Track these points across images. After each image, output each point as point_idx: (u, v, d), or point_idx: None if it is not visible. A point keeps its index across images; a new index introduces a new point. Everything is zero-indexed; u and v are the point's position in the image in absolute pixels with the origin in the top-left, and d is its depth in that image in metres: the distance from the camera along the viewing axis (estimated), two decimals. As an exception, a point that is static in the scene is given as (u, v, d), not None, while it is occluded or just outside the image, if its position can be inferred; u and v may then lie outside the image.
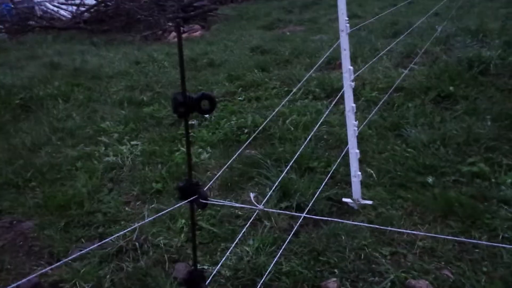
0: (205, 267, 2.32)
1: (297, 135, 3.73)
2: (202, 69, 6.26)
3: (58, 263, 1.95)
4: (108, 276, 2.25)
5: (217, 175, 2.21)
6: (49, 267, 2.12)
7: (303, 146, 3.19)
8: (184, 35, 9.81)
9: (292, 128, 3.86)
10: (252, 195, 2.02)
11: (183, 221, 2.63)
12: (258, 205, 1.85)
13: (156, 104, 4.91)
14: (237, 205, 2.48)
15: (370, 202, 2.59)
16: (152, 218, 2.05)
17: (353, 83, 2.72)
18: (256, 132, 3.78)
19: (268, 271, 2.12)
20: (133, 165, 3.54)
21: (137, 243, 2.49)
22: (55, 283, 2.21)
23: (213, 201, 1.58)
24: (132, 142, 3.97)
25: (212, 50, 7.44)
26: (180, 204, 1.54)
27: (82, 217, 2.82)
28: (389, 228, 2.10)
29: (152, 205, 2.94)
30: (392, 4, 9.83)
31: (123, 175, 3.41)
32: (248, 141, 3.63)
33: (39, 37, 10.53)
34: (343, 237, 2.30)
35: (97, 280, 2.22)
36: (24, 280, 1.98)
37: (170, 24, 10.20)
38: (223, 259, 2.08)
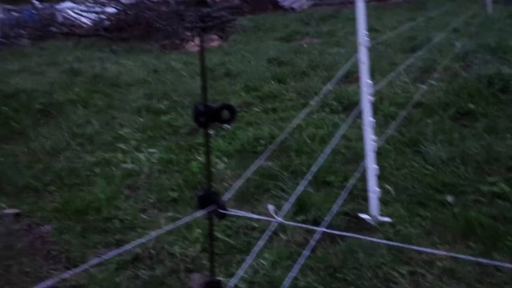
0: (220, 278, 2.31)
1: (314, 148, 3.73)
2: (219, 79, 6.31)
3: (78, 269, 1.97)
4: (124, 283, 2.26)
5: (237, 186, 2.22)
6: (68, 273, 2.14)
7: (320, 159, 3.19)
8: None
9: (309, 141, 3.85)
10: (271, 207, 2.02)
11: (199, 230, 2.64)
12: (277, 218, 1.85)
13: (174, 113, 4.95)
14: (256, 216, 2.48)
15: (388, 219, 2.57)
16: (170, 228, 2.06)
17: (371, 98, 2.72)
18: (273, 144, 3.79)
19: (284, 286, 2.10)
20: (150, 173, 3.56)
21: (153, 251, 2.50)
22: (72, 287, 2.23)
23: (232, 211, 1.59)
24: (150, 150, 4.00)
25: (229, 60, 7.49)
26: (198, 213, 1.54)
27: (99, 223, 2.84)
28: (408, 246, 2.08)
29: (168, 214, 2.95)
30: (411, 18, 9.82)
31: (140, 182, 3.43)
32: (265, 153, 3.64)
33: (60, 43, 10.73)
34: (360, 254, 2.28)
35: (114, 286, 2.24)
36: (42, 284, 2.00)
37: (188, 33, 10.32)
38: (240, 271, 2.08)
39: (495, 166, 3.11)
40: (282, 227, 2.66)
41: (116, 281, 2.27)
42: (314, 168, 2.81)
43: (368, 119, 2.73)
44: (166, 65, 7.44)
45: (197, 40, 10.03)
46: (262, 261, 2.35)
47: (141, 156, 3.84)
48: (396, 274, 2.13)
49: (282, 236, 2.57)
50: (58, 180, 3.44)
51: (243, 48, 8.96)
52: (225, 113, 1.50)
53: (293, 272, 2.24)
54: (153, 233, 2.30)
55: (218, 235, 2.62)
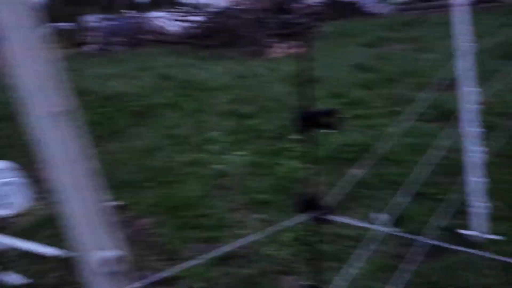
0: (311, 283, 2.29)
1: (407, 157, 3.58)
2: (303, 85, 6.29)
3: (187, 264, 2.05)
4: (217, 279, 2.31)
5: (336, 193, 2.18)
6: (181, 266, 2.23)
7: (416, 170, 3.05)
8: (283, 52, 10.00)
9: (401, 150, 3.71)
10: (377, 216, 1.96)
11: (291, 234, 2.64)
12: (385, 228, 1.79)
13: (259, 118, 5.02)
14: (362, 224, 2.42)
15: (498, 237, 2.38)
16: (273, 230, 2.09)
17: (475, 106, 2.55)
18: (370, 152, 3.70)
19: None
20: (238, 175, 3.64)
21: (244, 251, 2.54)
22: (169, 279, 2.32)
23: (336, 218, 1.55)
24: (237, 153, 4.09)
25: (314, 66, 7.45)
26: (300, 217, 1.53)
27: (192, 219, 2.95)
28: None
29: (258, 215, 2.99)
30: (508, 24, 9.13)
31: (229, 183, 3.52)
32: (360, 161, 3.56)
33: (151, 50, 11.38)
34: (466, 273, 2.14)
35: (207, 281, 2.30)
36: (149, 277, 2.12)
37: (270, 40, 10.46)
38: (337, 279, 2.04)
39: None
40: (376, 238, 2.58)
41: (209, 276, 2.34)
42: (410, 179, 2.70)
43: (470, 129, 2.57)
44: (250, 71, 7.59)
45: (279, 46, 10.13)
46: (356, 270, 2.28)
47: (229, 158, 3.94)
48: None
49: (377, 246, 2.49)
50: (154, 177, 3.63)
51: (325, 54, 8.88)
52: (327, 118, 1.48)
53: (392, 284, 2.16)
54: (251, 236, 2.34)
55: (310, 240, 2.60)
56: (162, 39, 12.12)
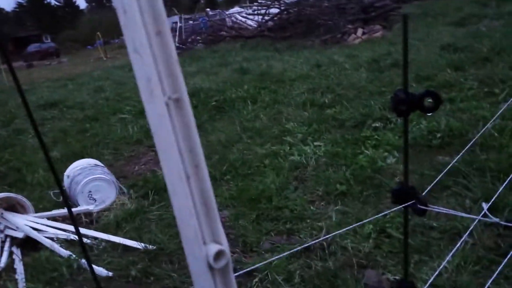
0: (396, 277, 2.16)
1: (503, 142, 3.24)
2: (386, 70, 6.01)
3: (271, 258, 2.04)
4: (298, 271, 2.27)
5: (432, 182, 2.02)
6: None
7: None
8: (364, 36, 9.62)
9: (496, 134, 3.37)
10: (471, 205, 1.79)
11: (371, 226, 2.51)
12: (492, 217, 1.63)
13: (338, 106, 4.88)
14: (460, 214, 2.24)
15: None
16: (369, 220, 1.99)
17: None
18: (459, 139, 3.41)
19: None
20: (316, 165, 3.56)
21: (325, 244, 2.46)
22: (250, 271, 2.33)
23: (434, 208, 1.43)
24: (316, 143, 4.00)
25: (395, 50, 7.09)
26: (396, 208, 1.44)
27: (270, 211, 2.93)
28: None
29: (337, 207, 2.89)
30: None
31: (307, 174, 3.45)
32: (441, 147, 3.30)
33: (229, 46, 11.62)
34: None
35: (288, 274, 2.27)
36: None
37: (350, 26, 10.12)
38: (430, 274, 1.89)
39: None
40: (466, 230, 2.36)
41: (289, 269, 2.30)
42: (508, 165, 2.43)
43: None
44: (328, 59, 7.41)
45: (358, 32, 9.78)
46: (446, 264, 2.11)
47: (307, 149, 3.87)
48: None
49: (467, 238, 2.27)
50: (233, 170, 3.68)
51: (411, 36, 8.38)
52: (428, 101, 1.39)
53: (484, 279, 1.96)
54: (342, 229, 2.25)
55: (393, 232, 2.46)
56: (240, 34, 12.30)
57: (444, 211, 1.76)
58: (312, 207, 2.96)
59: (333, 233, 2.39)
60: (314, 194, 3.13)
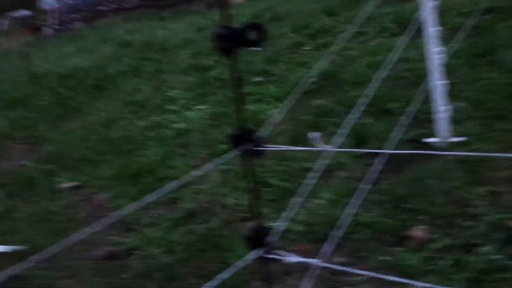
0: (276, 224, 2.17)
1: (372, 76, 3.37)
2: (267, 24, 5.98)
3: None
4: (179, 240, 2.19)
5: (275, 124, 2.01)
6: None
7: (376, 86, 2.87)
8: (247, -5, 9.52)
9: (365, 70, 3.50)
10: (314, 135, 1.78)
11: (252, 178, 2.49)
12: (326, 147, 1.64)
13: (221, 67, 4.78)
14: (300, 148, 2.28)
15: (461, 138, 2.23)
16: (199, 173, 1.93)
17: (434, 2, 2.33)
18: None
19: (344, 224, 1.90)
20: (201, 129, 3.47)
21: (207, 205, 2.41)
22: (129, 250, 2.21)
23: (270, 147, 1.38)
24: (200, 107, 3.90)
25: (277, 3, 7.09)
26: (231, 153, 1.38)
27: (154, 184, 2.80)
28: (482, 154, 1.76)
29: (221, 166, 2.83)
30: None
31: (192, 139, 3.35)
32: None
33: (111, 20, 10.91)
34: (431, 180, 2.00)
35: (169, 244, 2.18)
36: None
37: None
38: (286, 214, 1.91)
39: None
40: (339, 164, 2.43)
41: (171, 238, 2.22)
42: (372, 97, 2.52)
43: (430, 29, 2.36)
44: (212, 22, 7.23)
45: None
46: (320, 201, 2.16)
47: (191, 114, 3.75)
48: (471, 197, 1.84)
49: (340, 173, 2.35)
50: (114, 148, 3.46)
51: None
52: (253, 34, 1.27)
53: (353, 209, 2.03)
54: (184, 178, 2.19)
55: (271, 180, 2.46)
56: (122, 7, 11.59)
57: (284, 149, 1.77)
58: (195, 172, 2.87)
59: (180, 180, 2.34)
60: (198, 158, 3.05)
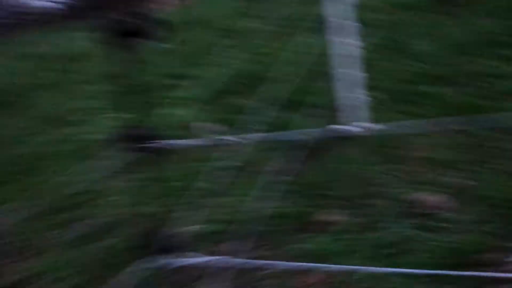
0: (191, 227, 1.99)
1: (291, 73, 3.35)
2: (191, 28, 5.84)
3: None
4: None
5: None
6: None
7: (294, 82, 2.82)
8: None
9: (284, 67, 3.47)
10: (198, 125, 1.64)
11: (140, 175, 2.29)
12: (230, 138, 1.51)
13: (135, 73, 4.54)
14: (201, 142, 2.12)
15: (379, 126, 2.23)
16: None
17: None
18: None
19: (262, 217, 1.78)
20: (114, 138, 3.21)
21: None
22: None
23: (170, 143, 1.30)
24: (111, 115, 3.61)
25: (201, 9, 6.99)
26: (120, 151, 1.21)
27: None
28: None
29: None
30: None
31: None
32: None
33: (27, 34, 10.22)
34: (351, 166, 1.95)
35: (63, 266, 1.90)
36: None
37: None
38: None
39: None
40: (255, 158, 2.31)
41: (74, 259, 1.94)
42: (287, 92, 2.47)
43: (349, 25, 2.34)
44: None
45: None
46: (233, 199, 2.01)
47: (101, 122, 3.49)
48: (385, 176, 1.81)
49: (256, 167, 2.22)
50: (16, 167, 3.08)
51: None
52: (149, 27, 1.25)
53: (271, 201, 1.91)
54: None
55: (182, 182, 2.27)
56: (27, 20, 10.85)
57: (185, 144, 1.65)
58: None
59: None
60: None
